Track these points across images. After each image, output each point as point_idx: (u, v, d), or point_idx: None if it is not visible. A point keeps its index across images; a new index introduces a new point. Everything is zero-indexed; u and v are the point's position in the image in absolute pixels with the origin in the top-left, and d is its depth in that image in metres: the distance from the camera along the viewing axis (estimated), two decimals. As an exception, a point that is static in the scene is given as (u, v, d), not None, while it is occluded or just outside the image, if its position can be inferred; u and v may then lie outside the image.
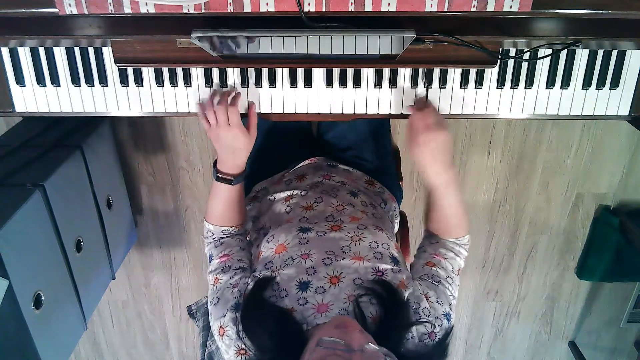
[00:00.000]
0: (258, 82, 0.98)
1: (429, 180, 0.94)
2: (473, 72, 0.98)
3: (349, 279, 0.81)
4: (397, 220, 1.21)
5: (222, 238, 1.00)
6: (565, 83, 0.99)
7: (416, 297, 0.81)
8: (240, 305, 0.81)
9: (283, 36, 0.80)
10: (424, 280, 0.88)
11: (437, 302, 0.83)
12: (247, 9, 0.77)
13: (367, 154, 1.23)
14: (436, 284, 0.87)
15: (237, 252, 0.96)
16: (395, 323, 0.75)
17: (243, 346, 0.76)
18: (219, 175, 0.96)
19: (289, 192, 1.07)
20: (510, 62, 0.97)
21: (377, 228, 0.94)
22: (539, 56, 0.95)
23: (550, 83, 0.99)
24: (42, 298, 1.41)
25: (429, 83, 0.98)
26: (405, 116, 1.01)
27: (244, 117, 0.98)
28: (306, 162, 1.19)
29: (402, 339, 0.74)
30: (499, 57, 0.93)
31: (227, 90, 0.98)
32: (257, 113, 1.01)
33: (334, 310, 0.77)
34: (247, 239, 1.15)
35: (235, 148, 0.94)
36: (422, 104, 0.98)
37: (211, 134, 0.94)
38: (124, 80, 0.98)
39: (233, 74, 0.98)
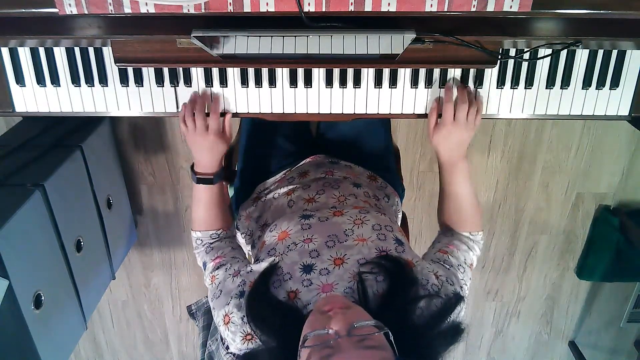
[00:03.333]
0: (258, 82, 0.98)
1: (440, 165, 0.99)
2: (473, 72, 0.98)
3: (353, 260, 0.81)
4: (400, 217, 1.21)
5: (211, 243, 1.01)
6: (565, 83, 0.99)
7: (424, 274, 0.81)
8: (244, 292, 0.80)
9: (283, 36, 0.80)
10: (435, 262, 0.88)
11: (447, 281, 0.82)
12: (247, 9, 0.77)
13: (368, 152, 1.23)
14: (448, 267, 0.87)
15: (229, 252, 0.97)
16: (401, 296, 0.74)
17: (249, 331, 0.75)
18: (199, 177, 0.99)
19: (290, 187, 1.07)
20: (510, 62, 0.97)
21: (379, 212, 0.95)
22: (539, 56, 0.95)
23: (550, 83, 0.99)
24: (42, 298, 1.41)
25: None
26: (405, 117, 1.01)
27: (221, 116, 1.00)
28: (307, 160, 1.19)
29: (408, 313, 0.72)
30: (499, 57, 0.93)
31: (206, 94, 0.99)
32: (258, 113, 1.01)
33: (339, 289, 0.76)
34: (251, 237, 1.15)
35: (211, 151, 0.98)
36: (461, 93, 0.96)
37: (188, 138, 0.98)
38: (124, 80, 0.98)
39: (233, 74, 0.98)
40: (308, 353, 0.62)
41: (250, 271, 0.85)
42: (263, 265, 0.84)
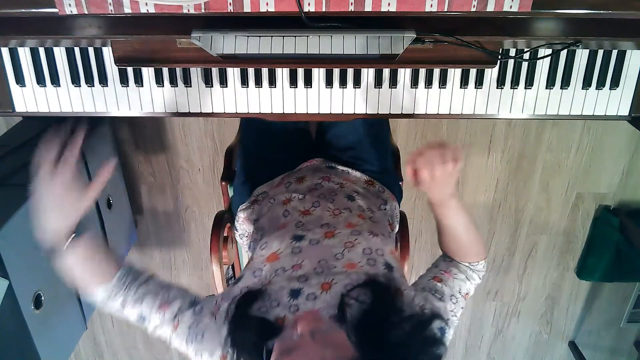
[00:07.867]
0: (258, 82, 0.98)
1: (432, 201, 0.91)
2: (473, 72, 0.98)
3: (341, 285, 0.80)
4: (398, 219, 1.21)
5: (125, 296, 0.85)
6: (565, 83, 0.99)
7: (409, 306, 0.79)
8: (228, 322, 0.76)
9: (283, 36, 0.80)
10: (425, 291, 0.87)
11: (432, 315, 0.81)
12: (247, 9, 0.77)
13: (368, 153, 1.23)
14: (438, 297, 0.86)
15: (163, 293, 0.86)
16: (381, 322, 0.73)
17: None
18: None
19: (287, 195, 1.06)
20: (510, 62, 0.97)
21: (371, 234, 0.93)
22: (539, 56, 0.95)
23: (550, 83, 0.99)
24: (42, 298, 1.41)
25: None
26: (405, 117, 1.01)
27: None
28: (305, 164, 1.19)
29: (386, 338, 0.70)
30: (499, 57, 0.93)
31: (66, 134, 0.79)
32: (257, 113, 1.01)
33: (324, 315, 0.76)
34: (247, 239, 1.14)
35: (55, 210, 0.81)
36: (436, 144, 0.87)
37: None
38: (124, 80, 0.98)
39: (233, 74, 0.98)
40: (274, 357, 0.64)
41: (236, 296, 0.80)
42: (242, 285, 0.83)
